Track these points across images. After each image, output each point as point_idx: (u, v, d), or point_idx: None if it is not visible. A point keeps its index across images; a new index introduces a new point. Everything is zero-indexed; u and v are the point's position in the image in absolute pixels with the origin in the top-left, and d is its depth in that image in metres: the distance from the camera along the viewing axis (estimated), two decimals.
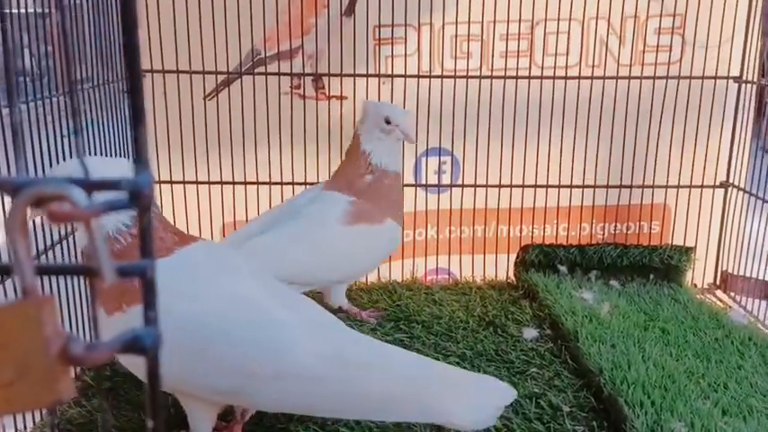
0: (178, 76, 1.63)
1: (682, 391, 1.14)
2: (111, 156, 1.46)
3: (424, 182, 1.78)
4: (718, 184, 1.75)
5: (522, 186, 1.73)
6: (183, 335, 0.86)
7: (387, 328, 1.41)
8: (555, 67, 1.68)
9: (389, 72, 1.68)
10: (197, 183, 1.70)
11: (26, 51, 1.32)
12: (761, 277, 1.65)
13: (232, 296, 0.91)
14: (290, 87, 1.70)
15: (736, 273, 1.74)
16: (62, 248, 1.26)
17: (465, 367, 1.26)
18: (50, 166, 1.14)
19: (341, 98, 1.71)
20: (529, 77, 1.67)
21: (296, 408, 0.96)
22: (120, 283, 0.86)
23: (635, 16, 1.68)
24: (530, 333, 1.39)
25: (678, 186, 1.74)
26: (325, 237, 1.37)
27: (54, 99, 1.28)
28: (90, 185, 0.38)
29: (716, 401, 1.13)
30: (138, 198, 0.38)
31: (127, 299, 0.89)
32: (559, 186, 1.74)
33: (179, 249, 0.94)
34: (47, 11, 1.37)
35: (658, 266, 1.70)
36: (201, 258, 0.96)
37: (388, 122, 1.39)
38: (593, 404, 1.15)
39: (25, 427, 1.08)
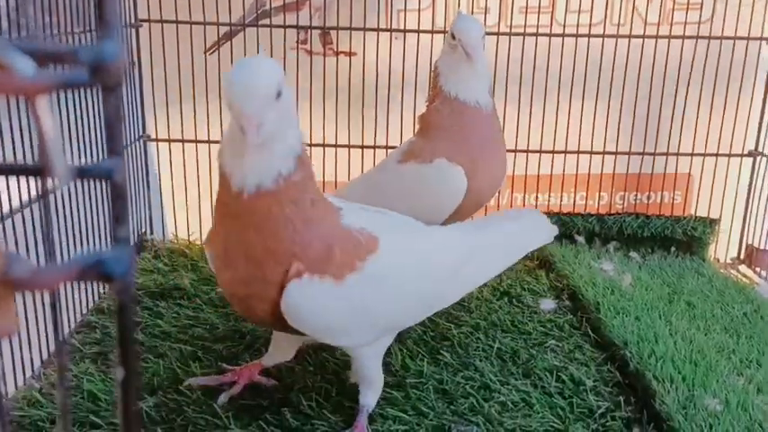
0: (177, 27, 1.53)
1: (713, 367, 1.05)
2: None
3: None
4: (746, 152, 1.65)
5: (540, 152, 1.63)
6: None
7: None
8: (578, 25, 1.57)
9: (402, 27, 1.58)
10: (196, 141, 1.61)
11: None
12: None
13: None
14: (297, 42, 1.60)
15: (762, 247, 1.65)
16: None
17: (479, 338, 1.18)
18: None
19: (350, 54, 1.61)
20: (550, 35, 1.57)
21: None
22: (327, 240, 0.86)
23: None
24: (547, 304, 1.31)
25: (704, 154, 1.64)
26: (380, 176, 1.28)
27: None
28: (41, 56, 0.29)
29: (750, 378, 1.05)
30: (101, 73, 0.29)
31: (360, 252, 0.86)
32: (578, 152, 1.64)
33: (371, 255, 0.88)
34: None
35: (681, 238, 1.62)
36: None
37: (453, 36, 1.16)
38: (617, 378, 1.06)
39: (16, 387, 1.00)
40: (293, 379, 1.04)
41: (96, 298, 1.30)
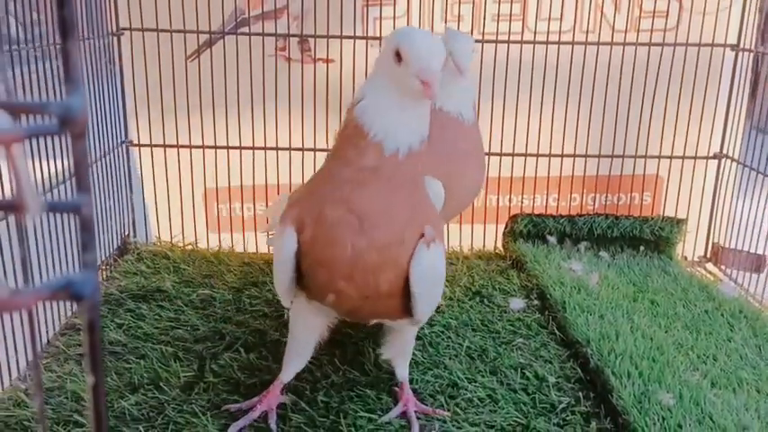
0: (158, 35, 1.57)
1: (670, 363, 1.11)
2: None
3: None
4: (711, 155, 1.71)
5: (513, 155, 1.68)
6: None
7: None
8: (548, 32, 1.63)
9: (378, 34, 1.62)
10: (178, 147, 1.64)
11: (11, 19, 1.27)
12: (752, 250, 1.63)
13: None
14: (275, 49, 1.64)
15: (727, 245, 1.71)
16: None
17: (450, 337, 1.23)
18: None
19: (327, 61, 1.65)
20: (521, 42, 1.62)
21: None
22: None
23: None
24: (517, 303, 1.36)
25: (671, 157, 1.70)
26: None
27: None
28: (14, 108, 0.34)
29: (705, 373, 1.11)
30: (69, 124, 0.33)
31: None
32: (550, 155, 1.69)
33: None
34: None
35: (649, 238, 1.67)
36: None
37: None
38: (579, 375, 1.12)
39: (2, 388, 1.04)
40: (271, 378, 1.08)
41: None
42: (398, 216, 0.84)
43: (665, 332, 1.25)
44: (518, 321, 1.30)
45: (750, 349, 1.22)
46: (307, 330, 1.00)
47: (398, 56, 0.81)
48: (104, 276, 1.47)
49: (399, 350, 1.02)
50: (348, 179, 0.83)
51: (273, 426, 0.97)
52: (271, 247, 1.61)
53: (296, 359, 1.02)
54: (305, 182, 0.99)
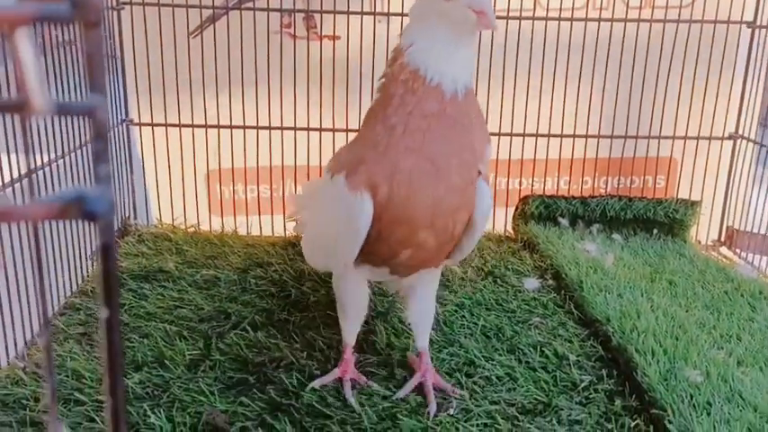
0: (159, 10, 1.52)
1: (694, 341, 1.07)
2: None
3: None
4: (726, 135, 1.67)
5: (523, 135, 1.64)
6: None
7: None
8: (561, 9, 1.58)
9: (386, 10, 1.57)
10: (180, 126, 1.60)
11: None
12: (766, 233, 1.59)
13: None
14: (280, 25, 1.60)
15: (742, 229, 1.68)
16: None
17: (464, 316, 1.19)
18: None
19: (333, 38, 1.61)
20: (533, 18, 1.58)
21: None
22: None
23: None
24: (531, 283, 1.32)
25: (685, 138, 1.66)
26: None
27: None
28: None
29: (730, 352, 1.07)
30: (82, 8, 0.29)
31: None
32: (561, 136, 1.65)
33: None
34: None
35: (663, 220, 1.63)
36: None
37: None
38: (600, 353, 1.08)
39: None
40: (280, 355, 1.04)
41: (80, 281, 1.29)
42: (467, 157, 0.83)
43: (686, 312, 1.21)
44: (533, 301, 1.25)
45: None
46: (360, 294, 0.99)
47: None
48: None
49: (424, 313, 1.00)
50: (415, 128, 0.81)
51: (351, 398, 0.94)
52: (290, 231, 1.57)
53: (355, 322, 1.01)
54: (345, 147, 0.96)
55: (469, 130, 0.83)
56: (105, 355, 0.33)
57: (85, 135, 1.30)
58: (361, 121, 0.92)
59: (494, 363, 1.03)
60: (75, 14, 0.29)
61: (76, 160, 1.29)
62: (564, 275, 1.32)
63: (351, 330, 1.01)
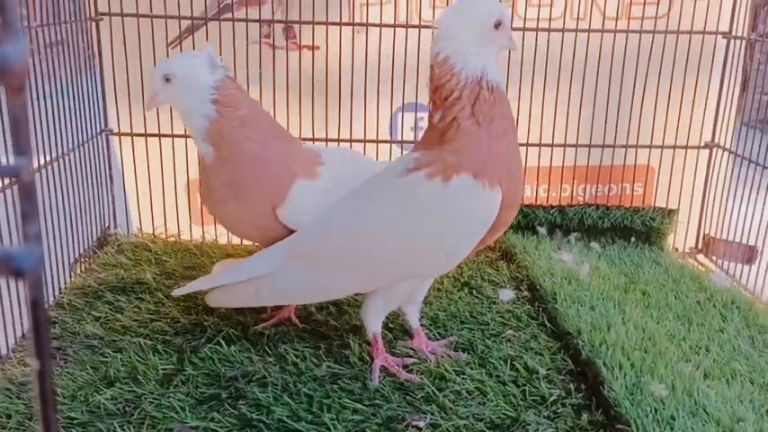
0: (138, 21, 1.52)
1: (662, 354, 1.08)
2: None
3: (400, 138, 1.70)
4: (703, 144, 1.69)
5: None
6: None
7: None
8: (538, 19, 1.60)
9: (364, 21, 1.58)
10: (159, 136, 1.60)
11: None
12: (743, 241, 1.61)
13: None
14: (260, 36, 1.60)
15: (718, 236, 1.69)
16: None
17: (438, 330, 1.20)
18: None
19: (312, 48, 1.61)
20: (510, 29, 1.58)
21: None
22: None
23: None
24: (506, 295, 1.33)
25: (662, 147, 1.67)
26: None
27: None
28: None
29: (698, 364, 1.08)
30: (5, 75, 0.29)
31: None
32: (540, 145, 1.66)
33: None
34: None
35: (640, 229, 1.65)
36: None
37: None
38: (570, 367, 1.09)
39: None
40: (253, 369, 1.05)
41: (57, 293, 1.30)
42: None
43: (657, 323, 1.22)
44: (508, 313, 1.27)
45: (743, 340, 1.20)
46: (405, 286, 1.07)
47: (497, 25, 0.99)
48: (83, 269, 1.43)
49: (417, 300, 1.13)
50: (501, 131, 0.98)
51: (410, 376, 1.04)
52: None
53: (385, 312, 1.10)
54: (426, 157, 1.00)
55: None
56: (39, 405, 0.34)
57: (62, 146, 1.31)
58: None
59: (464, 377, 1.05)
60: None
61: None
62: (539, 287, 1.33)
63: (380, 320, 1.10)
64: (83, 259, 1.45)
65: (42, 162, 1.27)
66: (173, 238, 1.61)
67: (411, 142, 1.67)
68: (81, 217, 1.44)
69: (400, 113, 1.68)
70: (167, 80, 1.11)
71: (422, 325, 1.20)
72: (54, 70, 1.34)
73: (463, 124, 0.97)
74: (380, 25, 1.57)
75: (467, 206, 0.96)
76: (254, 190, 1.13)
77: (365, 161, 1.32)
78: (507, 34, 1.02)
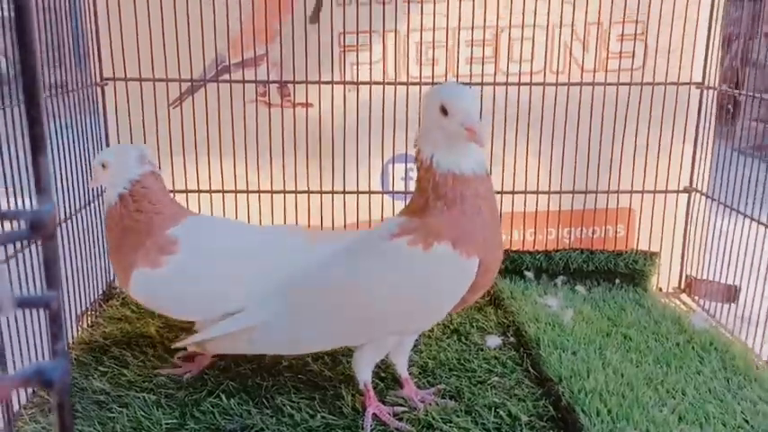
0: (141, 84, 1.61)
1: (639, 399, 1.14)
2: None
3: (391, 189, 1.78)
4: (681, 188, 1.77)
5: None
6: None
7: None
8: (520, 74, 1.68)
9: (355, 79, 1.67)
10: None
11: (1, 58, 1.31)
12: (724, 281, 1.67)
13: None
14: (256, 95, 1.69)
15: (700, 277, 1.76)
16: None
17: (427, 379, 1.26)
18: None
19: (306, 105, 1.70)
20: (494, 84, 1.67)
21: None
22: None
23: (598, 23, 1.69)
24: (493, 341, 1.39)
25: (642, 192, 1.75)
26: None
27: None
28: None
29: (673, 408, 1.14)
30: (39, 229, 0.37)
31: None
32: (525, 192, 1.74)
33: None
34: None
35: (624, 271, 1.72)
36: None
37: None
38: (551, 413, 1.15)
39: None
40: (251, 422, 1.11)
41: (66, 348, 1.36)
42: (497, 216, 1.12)
43: (637, 367, 1.28)
44: (494, 360, 1.33)
45: (718, 382, 1.25)
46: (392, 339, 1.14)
47: (443, 110, 1.00)
48: (89, 322, 1.49)
49: (405, 351, 1.19)
50: (476, 210, 1.03)
51: (400, 424, 1.10)
52: None
53: (374, 362, 1.16)
54: (407, 230, 1.07)
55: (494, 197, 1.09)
56: None
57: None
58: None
59: (451, 425, 1.11)
60: (33, 235, 0.37)
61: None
62: (524, 333, 1.39)
63: (370, 369, 1.16)
64: (89, 313, 1.52)
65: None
66: None
67: (402, 192, 1.75)
68: (87, 271, 1.51)
69: (391, 165, 1.76)
70: (103, 166, 1.29)
71: (412, 373, 1.26)
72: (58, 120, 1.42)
73: (432, 203, 1.04)
74: (370, 83, 1.65)
75: (445, 272, 1.04)
76: (114, 265, 1.33)
77: (241, 237, 1.35)
78: (457, 122, 0.99)
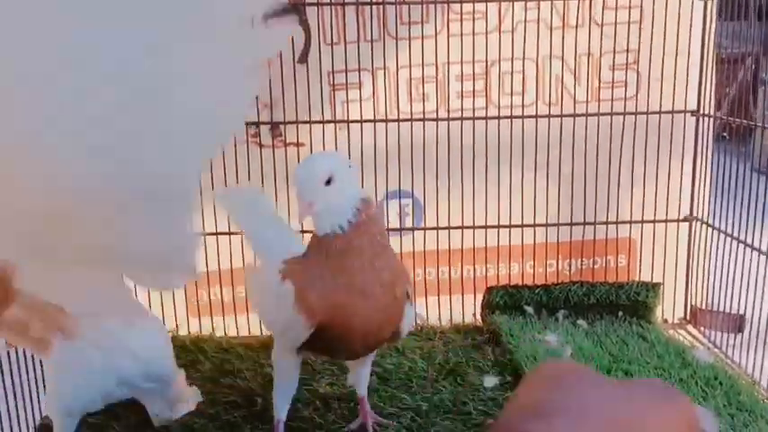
0: None
1: None
2: None
3: (387, 226, 1.76)
4: (682, 217, 1.73)
5: (485, 227, 1.71)
6: None
7: (343, 379, 1.37)
8: (512, 107, 1.67)
9: (346, 117, 1.67)
10: None
11: None
12: (729, 311, 1.63)
13: None
14: (247, 136, 1.69)
15: (704, 307, 1.72)
16: None
17: (418, 421, 1.23)
18: None
19: (298, 145, 1.69)
20: (486, 118, 1.66)
21: None
22: None
23: (589, 53, 1.68)
24: (490, 381, 1.36)
25: (642, 221, 1.72)
26: None
27: None
28: None
29: None
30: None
31: None
32: (522, 226, 1.72)
33: None
34: None
35: (626, 303, 1.68)
36: None
37: None
38: None
39: None
40: None
41: None
42: (386, 276, 1.03)
43: None
44: (491, 401, 1.29)
45: (722, 419, 1.21)
46: (294, 371, 1.14)
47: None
48: None
49: (363, 376, 1.21)
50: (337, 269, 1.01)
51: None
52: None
53: (288, 396, 1.16)
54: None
55: (380, 254, 1.01)
56: None
57: None
58: None
59: None
60: None
61: None
62: (522, 372, 1.36)
63: (284, 405, 1.15)
64: None
65: None
66: (171, 333, 1.65)
67: (396, 230, 1.73)
68: None
69: (385, 202, 1.74)
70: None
71: (405, 418, 1.23)
72: None
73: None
74: (361, 121, 1.65)
75: (284, 307, 1.03)
76: None
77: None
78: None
